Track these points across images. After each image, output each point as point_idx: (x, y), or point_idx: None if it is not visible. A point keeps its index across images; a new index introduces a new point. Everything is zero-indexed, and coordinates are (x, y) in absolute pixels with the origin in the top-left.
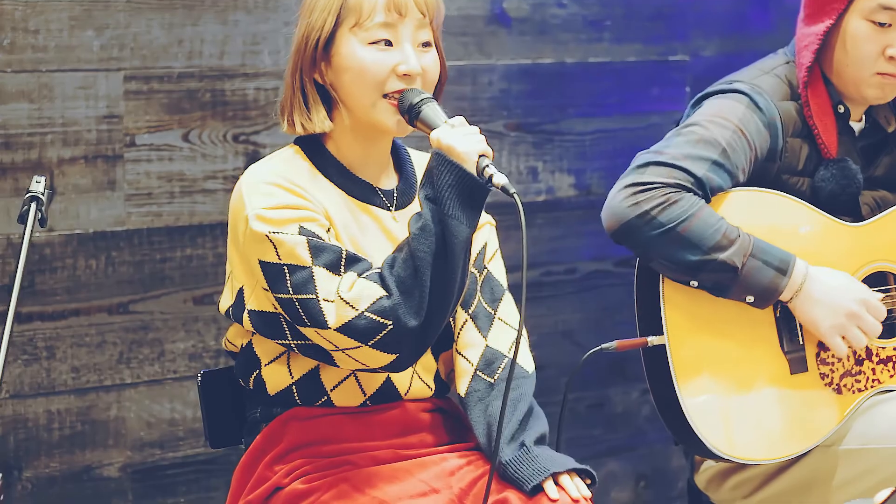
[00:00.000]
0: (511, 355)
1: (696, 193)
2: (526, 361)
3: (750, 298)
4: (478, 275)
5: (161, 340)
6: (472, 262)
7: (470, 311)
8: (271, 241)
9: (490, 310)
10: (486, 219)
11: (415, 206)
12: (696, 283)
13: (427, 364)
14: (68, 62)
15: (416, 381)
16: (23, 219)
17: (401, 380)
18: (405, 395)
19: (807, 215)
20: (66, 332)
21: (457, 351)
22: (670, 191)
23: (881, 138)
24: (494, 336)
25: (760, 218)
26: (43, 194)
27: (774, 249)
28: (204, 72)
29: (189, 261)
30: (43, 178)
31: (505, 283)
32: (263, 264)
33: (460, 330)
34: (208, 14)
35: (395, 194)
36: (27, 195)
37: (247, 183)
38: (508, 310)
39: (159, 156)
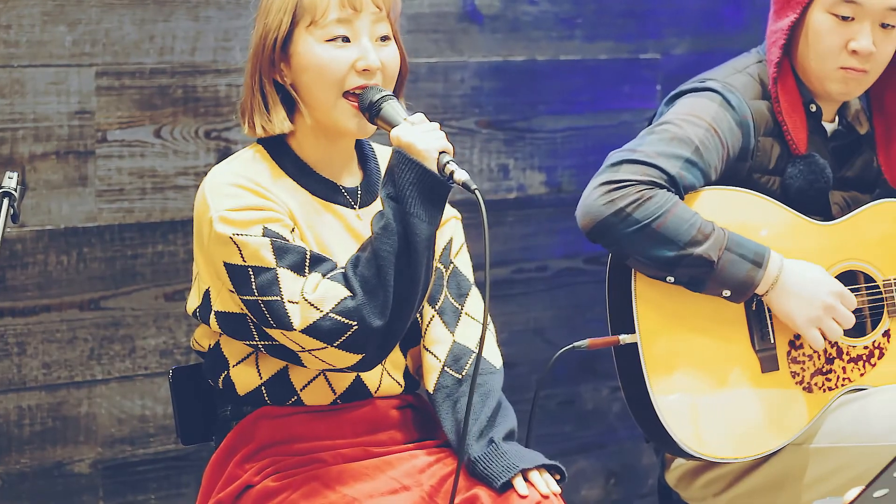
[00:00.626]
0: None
1: (669, 190)
2: (493, 357)
3: (726, 292)
4: (444, 270)
5: (132, 337)
6: (437, 257)
7: (437, 307)
8: (235, 242)
9: (457, 305)
10: (451, 213)
11: (378, 205)
12: (672, 279)
13: (396, 361)
14: (40, 57)
15: (386, 378)
16: None
17: (370, 377)
18: (375, 392)
19: (778, 214)
20: (37, 328)
21: (424, 347)
22: (644, 188)
23: (854, 139)
24: (461, 331)
25: (732, 216)
26: (15, 190)
27: (749, 243)
28: (175, 68)
29: (160, 257)
30: (16, 174)
31: (472, 278)
32: (228, 266)
33: (427, 326)
34: (180, 10)
35: (359, 192)
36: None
37: (210, 184)
38: (475, 305)
39: (131, 152)
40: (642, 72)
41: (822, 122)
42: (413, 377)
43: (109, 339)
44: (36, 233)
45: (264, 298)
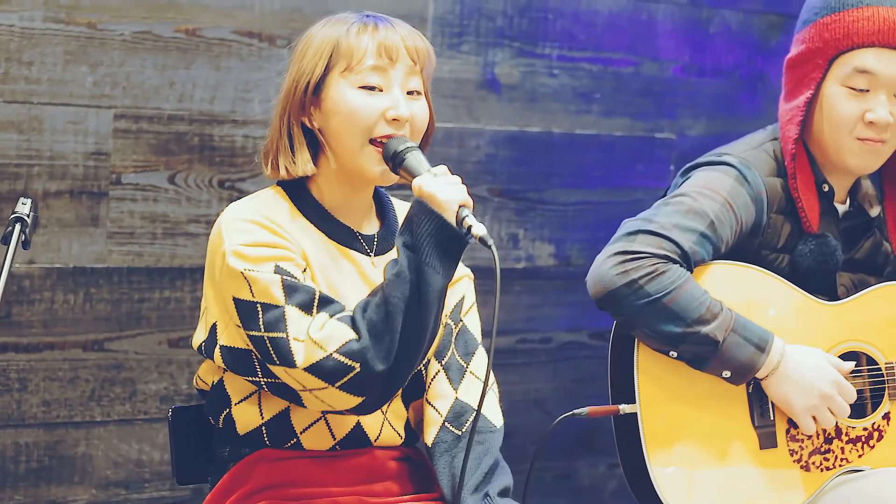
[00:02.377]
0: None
1: (681, 265)
2: (494, 416)
3: (727, 373)
4: (454, 326)
5: (134, 380)
6: (448, 313)
7: (443, 362)
8: (246, 278)
9: (462, 363)
10: (465, 272)
11: (394, 254)
12: (675, 354)
13: (398, 411)
14: (60, 96)
15: (387, 427)
16: (6, 239)
17: (371, 426)
18: (375, 441)
19: (784, 292)
20: (40, 365)
21: (427, 401)
22: (658, 261)
23: (864, 221)
24: (465, 389)
25: (739, 292)
26: (28, 216)
27: (754, 326)
28: (194, 115)
29: (167, 303)
30: (29, 200)
31: (479, 338)
32: (237, 301)
33: (432, 380)
34: (202, 58)
35: (376, 240)
36: (12, 216)
37: (226, 219)
38: (480, 364)
39: (144, 196)
40: (657, 151)
41: (834, 203)
42: (413, 430)
43: (111, 381)
44: (45, 270)
45: (270, 335)
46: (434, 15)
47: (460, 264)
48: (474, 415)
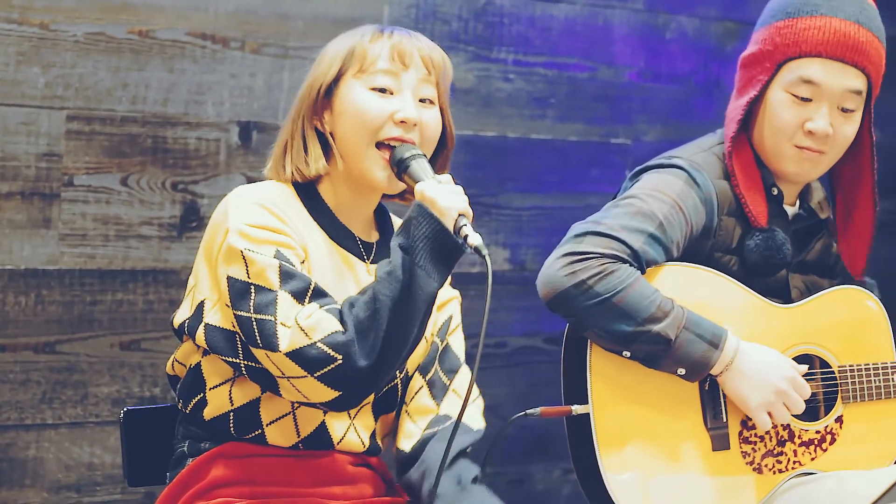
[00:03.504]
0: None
1: (631, 265)
2: (474, 421)
3: (681, 371)
4: (439, 344)
5: (85, 383)
6: (435, 332)
7: (427, 378)
8: (244, 258)
9: (446, 380)
10: (453, 294)
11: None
12: (628, 354)
13: (365, 421)
14: (11, 97)
15: (352, 432)
16: None
17: (336, 428)
18: (338, 444)
19: (737, 294)
20: None
21: (407, 412)
22: (607, 261)
23: (814, 223)
24: (447, 405)
25: (692, 293)
26: None
27: (707, 323)
28: (147, 117)
29: (119, 305)
30: None
31: (462, 358)
32: (231, 280)
33: (416, 394)
34: (155, 60)
35: (375, 248)
36: None
37: (234, 198)
38: (463, 382)
39: (96, 198)
40: (612, 156)
41: (784, 206)
42: (377, 443)
43: (62, 383)
44: None
45: (258, 316)
46: (389, 19)
47: (447, 287)
48: (453, 422)
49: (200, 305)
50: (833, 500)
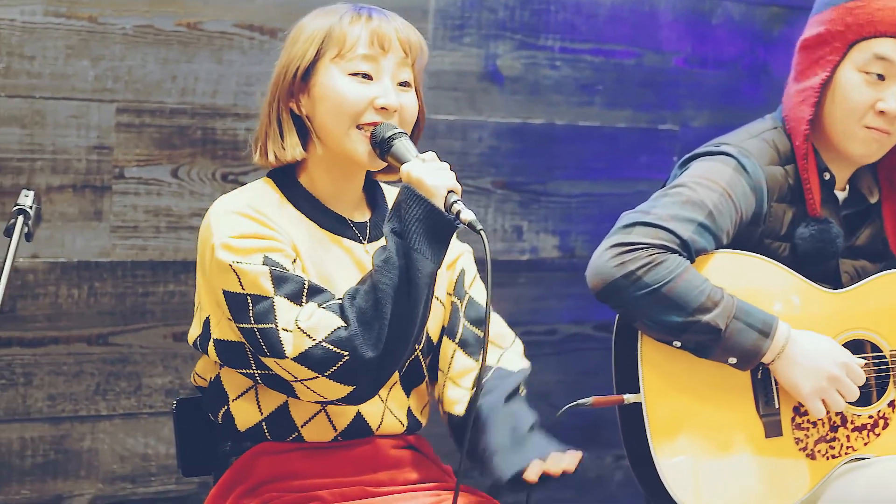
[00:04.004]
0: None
1: (680, 254)
2: (513, 363)
3: (732, 360)
4: (459, 302)
5: (139, 374)
6: (451, 290)
7: (457, 340)
8: (235, 270)
9: (478, 332)
10: (463, 248)
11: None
12: (678, 344)
13: (398, 399)
14: (62, 90)
15: (388, 416)
16: (9, 232)
17: (372, 415)
18: (376, 430)
19: (788, 280)
20: (45, 360)
21: (449, 379)
22: (656, 251)
23: (864, 209)
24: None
25: (742, 281)
26: (31, 208)
27: (757, 311)
28: (196, 109)
29: (171, 296)
30: (32, 192)
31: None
32: (227, 294)
33: (451, 359)
34: (204, 52)
35: (368, 227)
36: (15, 208)
37: (215, 212)
38: (495, 327)
39: (147, 190)
40: (660, 142)
41: (835, 191)
42: (416, 417)
43: (116, 375)
44: (49, 264)
45: (260, 326)
46: (436, 7)
47: (455, 241)
48: (496, 369)
49: (206, 322)
50: (887, 485)
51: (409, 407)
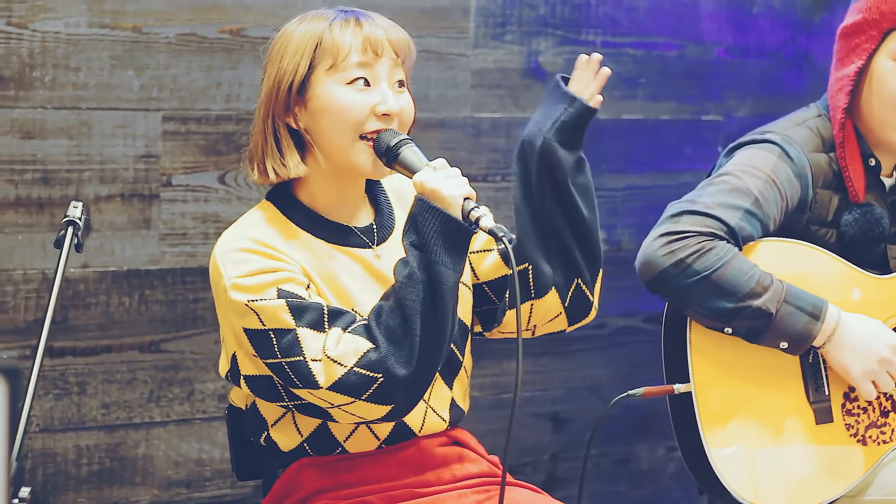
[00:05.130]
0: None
1: (728, 242)
2: None
3: (784, 344)
4: (481, 256)
5: (191, 380)
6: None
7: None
8: (252, 309)
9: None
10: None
11: (395, 238)
12: (730, 330)
13: (441, 395)
14: (108, 101)
15: (430, 415)
16: (59, 243)
17: (413, 418)
18: (419, 432)
19: (835, 267)
20: (98, 368)
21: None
22: (704, 239)
23: None
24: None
25: (790, 268)
26: (80, 219)
27: (807, 295)
28: (241, 115)
29: None
30: (80, 204)
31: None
32: (249, 332)
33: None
34: (247, 58)
35: (374, 229)
36: (64, 219)
37: (220, 252)
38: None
39: (195, 196)
40: (704, 133)
41: (881, 177)
42: (459, 407)
43: (169, 381)
44: (99, 274)
45: (287, 360)
46: (477, 6)
47: None
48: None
49: (234, 358)
50: None
51: (451, 399)
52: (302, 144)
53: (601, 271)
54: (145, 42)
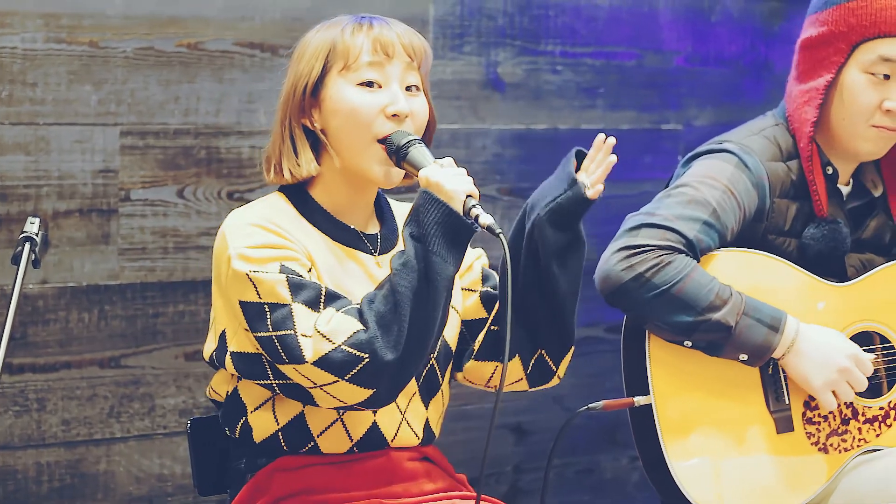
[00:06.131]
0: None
1: (687, 254)
2: None
3: (743, 356)
4: (476, 293)
5: (152, 395)
6: (469, 284)
7: (491, 315)
8: (251, 280)
9: (495, 292)
10: (477, 252)
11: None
12: (689, 343)
13: (416, 411)
14: (65, 116)
15: (404, 427)
16: (16, 259)
17: (388, 426)
18: (392, 441)
19: (793, 276)
20: (58, 385)
21: (473, 356)
22: (663, 253)
23: (868, 201)
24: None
25: (748, 278)
26: (37, 235)
27: (766, 307)
28: (199, 129)
29: (181, 316)
30: (38, 219)
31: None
32: (244, 304)
33: (480, 345)
34: (205, 72)
35: (379, 239)
36: (21, 235)
37: (230, 224)
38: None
39: (154, 211)
40: (664, 142)
41: (838, 185)
42: (431, 429)
43: (129, 397)
44: (58, 289)
45: (278, 333)
46: (435, 17)
47: (468, 247)
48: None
49: (223, 335)
50: None
51: (426, 419)
52: (318, 145)
53: (572, 348)
54: (102, 56)
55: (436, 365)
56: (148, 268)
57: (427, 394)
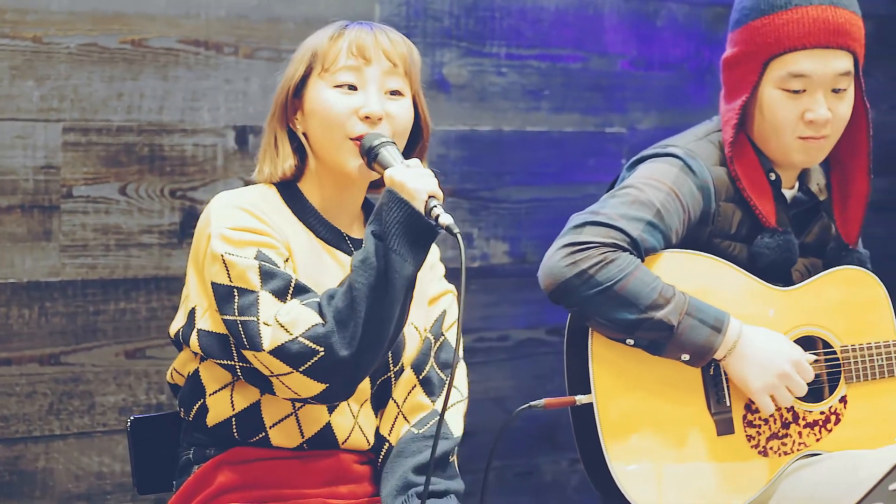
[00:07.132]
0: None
1: (631, 253)
2: (455, 425)
3: (685, 356)
4: (433, 341)
5: (91, 393)
6: (429, 327)
7: (421, 377)
8: (225, 262)
9: (443, 376)
10: (448, 287)
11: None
12: (632, 342)
13: (368, 417)
14: (7, 111)
15: (357, 431)
16: None
17: (341, 427)
18: (343, 443)
19: (737, 279)
20: None
21: (401, 412)
22: (607, 250)
23: (813, 206)
24: (441, 402)
25: (692, 280)
26: None
27: (709, 308)
28: (143, 126)
29: (122, 314)
30: None
31: (461, 353)
32: (215, 286)
33: (409, 393)
34: (149, 69)
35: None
36: None
37: (216, 205)
38: (461, 377)
39: (96, 208)
40: (608, 145)
41: (782, 190)
42: (382, 436)
43: (69, 394)
44: None
45: (242, 318)
46: (381, 17)
47: (443, 280)
48: (436, 419)
49: (192, 312)
50: (839, 481)
51: (377, 427)
52: (303, 147)
53: None
54: (46, 52)
55: (393, 379)
56: (89, 265)
57: (379, 403)
